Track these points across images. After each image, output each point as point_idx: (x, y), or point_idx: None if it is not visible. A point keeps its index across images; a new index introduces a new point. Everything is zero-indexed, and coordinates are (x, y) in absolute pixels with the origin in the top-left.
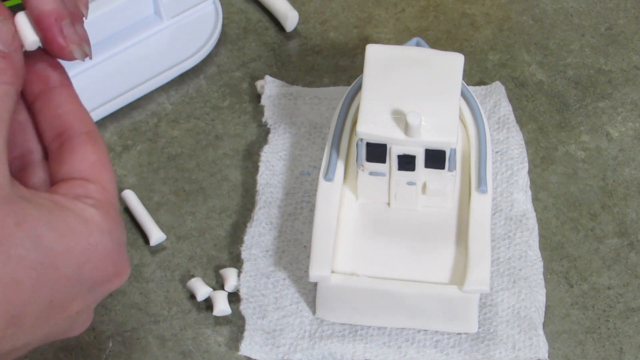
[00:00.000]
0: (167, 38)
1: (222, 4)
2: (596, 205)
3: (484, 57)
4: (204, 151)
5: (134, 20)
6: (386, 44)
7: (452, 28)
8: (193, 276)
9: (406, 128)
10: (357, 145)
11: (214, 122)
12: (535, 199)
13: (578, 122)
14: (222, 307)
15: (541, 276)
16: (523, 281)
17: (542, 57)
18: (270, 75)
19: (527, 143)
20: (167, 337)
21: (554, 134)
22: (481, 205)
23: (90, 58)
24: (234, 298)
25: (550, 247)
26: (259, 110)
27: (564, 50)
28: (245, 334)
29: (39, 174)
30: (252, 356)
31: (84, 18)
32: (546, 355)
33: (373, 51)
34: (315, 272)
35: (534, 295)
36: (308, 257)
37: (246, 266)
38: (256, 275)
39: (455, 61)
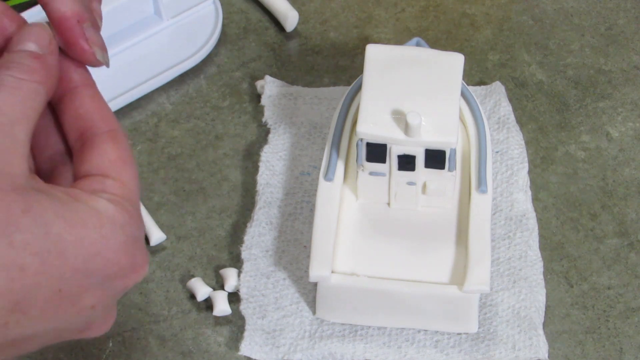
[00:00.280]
0: (167, 38)
1: (222, 4)
2: (596, 205)
3: (484, 57)
4: (204, 151)
5: (134, 20)
6: (386, 44)
7: (452, 28)
8: (193, 276)
9: (406, 128)
10: (357, 145)
11: (214, 122)
12: (535, 199)
13: (578, 122)
14: (222, 307)
15: (541, 276)
16: (523, 281)
17: (542, 57)
18: (270, 75)
19: (527, 143)
20: (167, 337)
21: (554, 134)
22: (481, 205)
23: (108, 66)
24: (234, 298)
25: (550, 247)
26: (259, 110)
27: (564, 50)
28: (245, 334)
29: (66, 175)
30: (252, 356)
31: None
32: (546, 355)
33: (373, 51)
34: (315, 272)
35: (534, 295)
36: (308, 257)
37: (246, 266)
38: (256, 275)
39: (455, 61)
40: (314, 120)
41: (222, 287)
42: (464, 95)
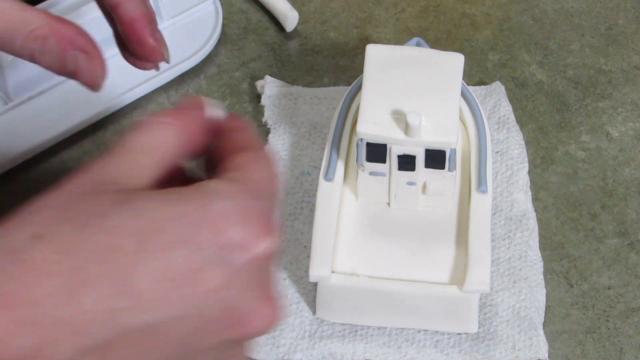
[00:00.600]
0: (167, 38)
1: (222, 4)
2: (596, 205)
3: (484, 57)
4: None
5: None
6: (386, 44)
7: (452, 28)
8: None
9: (406, 128)
10: (357, 145)
11: None
12: (535, 199)
13: (578, 122)
14: None
15: (541, 276)
16: (523, 281)
17: (542, 57)
18: (270, 75)
19: (527, 143)
20: None
21: (554, 134)
22: (481, 205)
23: (169, 62)
24: None
25: (550, 247)
26: (259, 110)
27: (564, 50)
28: None
29: None
30: (252, 356)
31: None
32: (546, 355)
33: (373, 51)
34: (315, 272)
35: (534, 295)
36: (308, 257)
37: None
38: None
39: (455, 61)
40: (314, 120)
41: None
42: (464, 95)
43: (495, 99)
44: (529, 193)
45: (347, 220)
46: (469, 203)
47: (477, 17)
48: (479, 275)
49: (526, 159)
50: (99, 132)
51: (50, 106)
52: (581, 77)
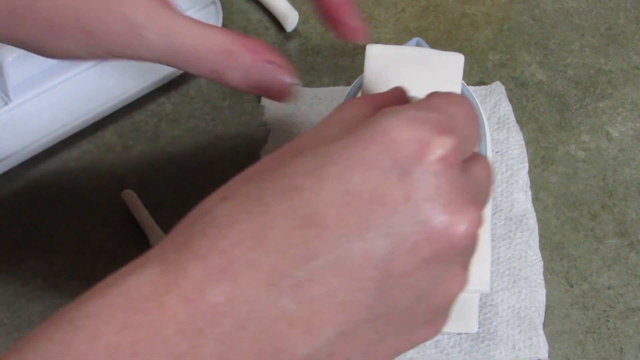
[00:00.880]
0: None
1: (222, 4)
2: (596, 205)
3: (484, 57)
4: (204, 151)
5: None
6: (386, 44)
7: (452, 28)
8: None
9: None
10: None
11: (214, 122)
12: (535, 199)
13: (578, 122)
14: None
15: (541, 276)
16: (523, 281)
17: (542, 57)
18: None
19: (527, 143)
20: None
21: (554, 134)
22: None
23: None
24: None
25: (550, 247)
26: (259, 110)
27: (564, 50)
28: None
29: None
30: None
31: None
32: (546, 355)
33: (373, 51)
34: None
35: (534, 295)
36: None
37: None
38: None
39: (455, 61)
40: (314, 120)
41: None
42: (464, 95)
43: (495, 99)
44: (529, 193)
45: None
46: None
47: (477, 17)
48: (479, 275)
49: (526, 159)
50: (99, 132)
51: (50, 106)
52: (581, 77)
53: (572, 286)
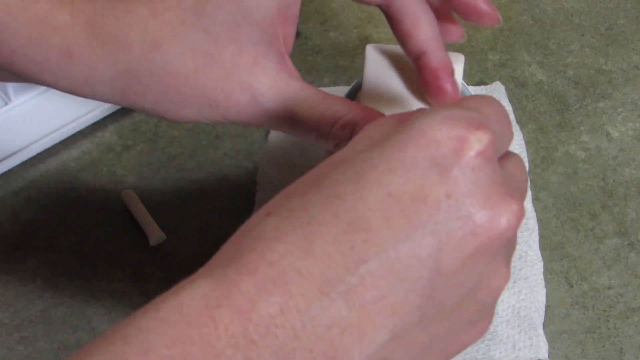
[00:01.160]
0: None
1: None
2: (596, 205)
3: (484, 57)
4: (204, 151)
5: None
6: (386, 44)
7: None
8: None
9: None
10: None
11: None
12: (535, 199)
13: (578, 122)
14: None
15: (541, 276)
16: (523, 281)
17: (542, 57)
18: None
19: (527, 143)
20: None
21: (554, 134)
22: None
23: (501, 24)
24: None
25: (550, 247)
26: None
27: (564, 50)
28: None
29: None
30: None
31: None
32: (546, 355)
33: (373, 51)
34: None
35: (534, 295)
36: None
37: None
38: None
39: (455, 61)
40: None
41: None
42: (464, 95)
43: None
44: (529, 193)
45: None
46: None
47: None
48: None
49: (526, 159)
50: (99, 132)
51: (50, 106)
52: (581, 77)
53: (572, 286)
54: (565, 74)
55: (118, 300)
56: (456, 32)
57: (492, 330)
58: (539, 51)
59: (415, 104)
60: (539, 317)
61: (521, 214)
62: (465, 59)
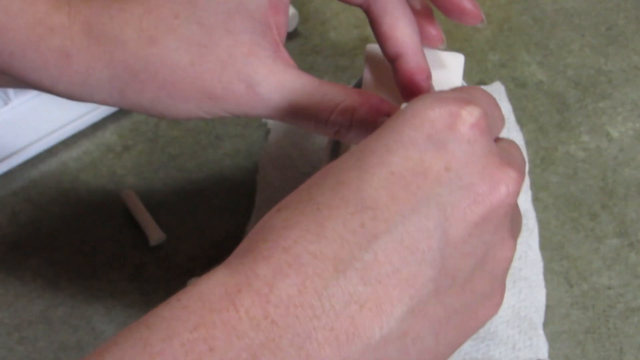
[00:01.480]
0: None
1: None
2: (596, 205)
3: (484, 57)
4: (204, 151)
5: None
6: None
7: (452, 28)
8: (193, 276)
9: None
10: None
11: (214, 122)
12: (535, 199)
13: (578, 122)
14: None
15: (541, 276)
16: (523, 281)
17: (542, 57)
18: None
19: (527, 143)
20: None
21: (554, 134)
22: None
23: (485, 24)
24: None
25: (550, 247)
26: None
27: (564, 50)
28: None
29: None
30: None
31: None
32: (546, 355)
33: (373, 51)
34: None
35: (534, 295)
36: None
37: None
38: None
39: (455, 61)
40: None
41: None
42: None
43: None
44: (529, 193)
45: None
46: None
47: None
48: None
49: (526, 159)
50: (99, 132)
51: (50, 106)
52: (581, 77)
53: (572, 286)
54: (565, 74)
55: (118, 300)
56: (436, 37)
57: (492, 330)
58: (539, 51)
59: None
60: (539, 317)
61: (520, 180)
62: (465, 59)
